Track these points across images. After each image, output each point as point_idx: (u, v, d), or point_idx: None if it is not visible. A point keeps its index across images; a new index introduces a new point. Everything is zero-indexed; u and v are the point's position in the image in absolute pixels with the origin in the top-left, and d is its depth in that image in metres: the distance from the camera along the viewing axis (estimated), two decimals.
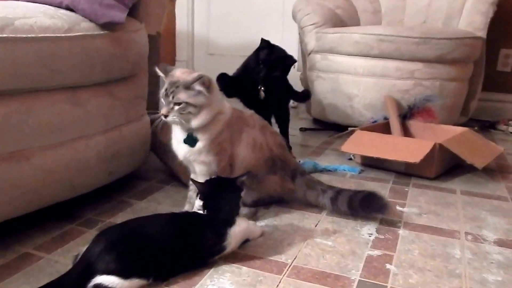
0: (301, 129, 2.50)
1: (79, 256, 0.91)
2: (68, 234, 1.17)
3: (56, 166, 1.16)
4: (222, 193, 1.05)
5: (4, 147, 1.03)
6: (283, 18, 3.34)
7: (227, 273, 0.99)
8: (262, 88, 1.80)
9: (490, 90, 2.80)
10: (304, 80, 2.66)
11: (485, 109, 2.82)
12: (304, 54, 2.62)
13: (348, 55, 2.31)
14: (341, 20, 2.62)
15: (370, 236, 1.19)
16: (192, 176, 1.26)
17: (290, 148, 1.78)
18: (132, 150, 1.44)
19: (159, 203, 1.40)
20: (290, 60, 1.82)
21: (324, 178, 1.61)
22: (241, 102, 1.87)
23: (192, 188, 1.27)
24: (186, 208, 1.28)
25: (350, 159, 1.91)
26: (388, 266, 1.04)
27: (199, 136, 1.18)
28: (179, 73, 1.15)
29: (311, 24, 2.50)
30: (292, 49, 2.66)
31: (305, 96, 2.24)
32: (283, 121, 1.97)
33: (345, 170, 1.76)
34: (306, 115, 2.79)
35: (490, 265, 1.06)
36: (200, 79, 1.11)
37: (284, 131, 1.95)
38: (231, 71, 1.86)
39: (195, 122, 1.15)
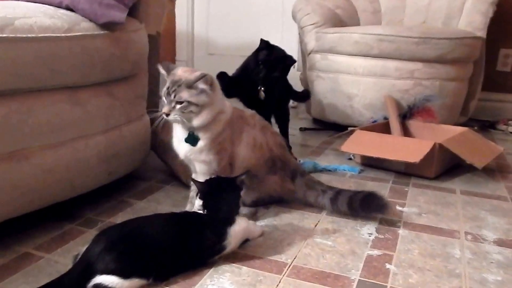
0: (301, 129, 2.50)
1: (79, 256, 0.91)
2: (68, 234, 1.17)
3: (56, 166, 1.16)
4: (222, 193, 1.05)
5: (4, 146, 1.03)
6: (282, 18, 3.34)
7: (227, 273, 0.99)
8: (262, 88, 1.80)
9: (489, 90, 2.80)
10: (304, 80, 2.66)
11: (485, 109, 2.82)
12: (304, 54, 2.62)
13: (348, 55, 2.31)
14: (341, 20, 2.62)
15: (370, 235, 1.20)
16: (193, 176, 1.26)
17: (290, 148, 1.78)
18: (132, 150, 1.44)
19: (159, 203, 1.40)
20: (290, 60, 1.82)
21: (324, 178, 1.61)
22: (241, 102, 1.87)
23: (194, 188, 1.26)
24: (188, 208, 1.28)
25: (350, 159, 1.91)
26: (388, 266, 1.05)
27: (200, 135, 1.18)
28: (181, 72, 1.15)
29: (311, 24, 2.50)
30: (292, 49, 2.67)
31: (304, 96, 2.24)
32: (283, 121, 1.97)
33: (345, 170, 1.76)
34: (306, 115, 2.79)
35: (490, 265, 1.06)
36: (204, 77, 1.11)
37: (284, 131, 1.96)
38: (231, 71, 1.86)
39: (196, 121, 1.15)
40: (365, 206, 1.26)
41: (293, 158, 1.55)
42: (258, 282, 0.96)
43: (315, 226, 1.25)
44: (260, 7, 3.49)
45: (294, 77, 2.20)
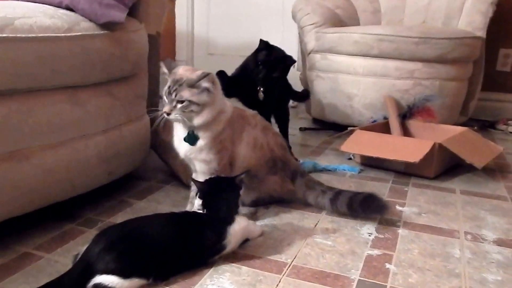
0: (301, 129, 2.50)
1: (79, 256, 0.91)
2: (68, 234, 1.17)
3: (56, 166, 1.16)
4: (221, 192, 1.05)
5: (4, 146, 1.03)
6: (283, 18, 3.34)
7: (227, 273, 1.00)
8: (261, 89, 1.80)
9: (489, 89, 2.80)
10: (304, 79, 2.66)
11: (485, 108, 2.82)
12: (304, 54, 2.62)
13: (348, 54, 2.31)
14: (340, 20, 2.62)
15: (369, 235, 1.20)
16: (193, 175, 1.26)
17: (289, 148, 1.78)
18: (132, 150, 1.44)
19: (159, 203, 1.40)
20: (290, 60, 1.82)
21: (324, 177, 1.62)
22: (240, 102, 1.87)
23: (194, 188, 1.26)
24: (188, 208, 1.28)
25: (350, 158, 1.92)
26: (387, 265, 1.05)
27: (201, 134, 1.18)
28: (182, 71, 1.15)
29: (311, 24, 2.50)
30: (292, 49, 2.67)
31: (304, 96, 2.24)
32: (283, 121, 1.97)
33: (344, 170, 1.76)
34: (305, 114, 2.79)
35: (490, 265, 1.06)
36: (206, 76, 1.11)
37: (284, 131, 1.96)
38: (230, 71, 1.86)
39: (197, 120, 1.15)
40: (364, 207, 1.26)
41: (294, 159, 1.55)
42: (258, 282, 0.97)
43: (315, 226, 1.25)
44: (260, 7, 3.49)
45: (294, 77, 2.20)
